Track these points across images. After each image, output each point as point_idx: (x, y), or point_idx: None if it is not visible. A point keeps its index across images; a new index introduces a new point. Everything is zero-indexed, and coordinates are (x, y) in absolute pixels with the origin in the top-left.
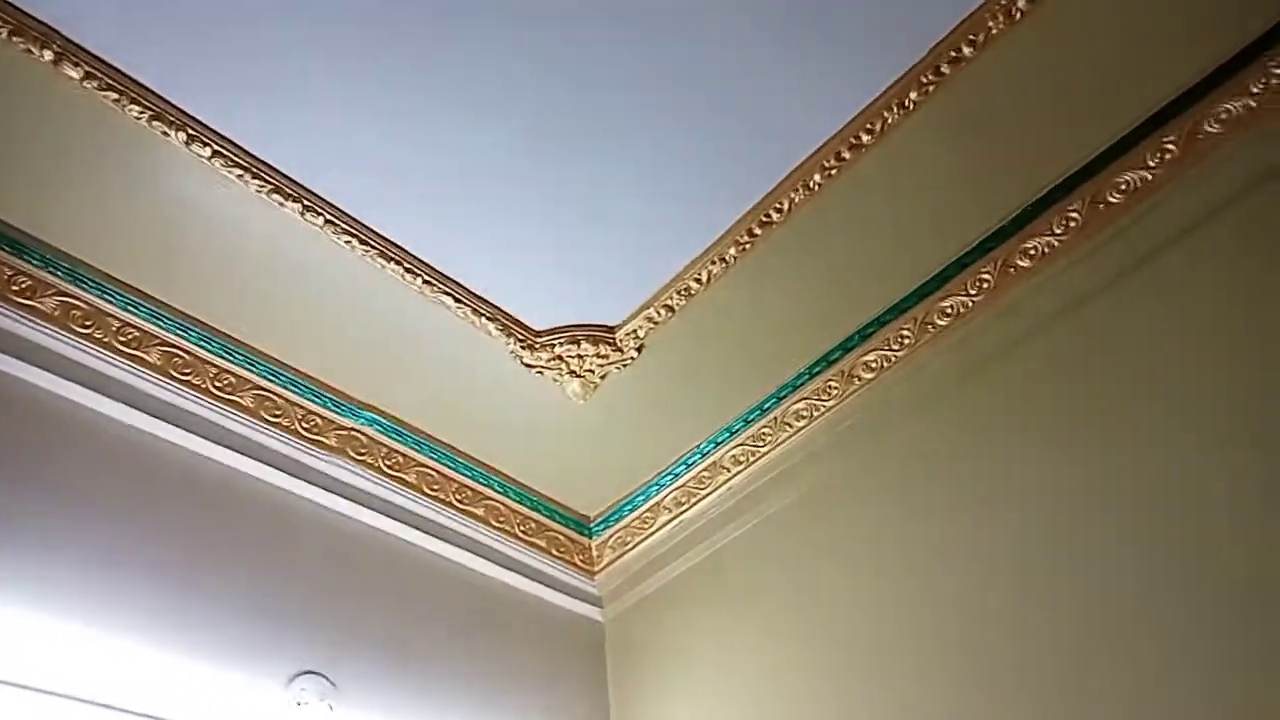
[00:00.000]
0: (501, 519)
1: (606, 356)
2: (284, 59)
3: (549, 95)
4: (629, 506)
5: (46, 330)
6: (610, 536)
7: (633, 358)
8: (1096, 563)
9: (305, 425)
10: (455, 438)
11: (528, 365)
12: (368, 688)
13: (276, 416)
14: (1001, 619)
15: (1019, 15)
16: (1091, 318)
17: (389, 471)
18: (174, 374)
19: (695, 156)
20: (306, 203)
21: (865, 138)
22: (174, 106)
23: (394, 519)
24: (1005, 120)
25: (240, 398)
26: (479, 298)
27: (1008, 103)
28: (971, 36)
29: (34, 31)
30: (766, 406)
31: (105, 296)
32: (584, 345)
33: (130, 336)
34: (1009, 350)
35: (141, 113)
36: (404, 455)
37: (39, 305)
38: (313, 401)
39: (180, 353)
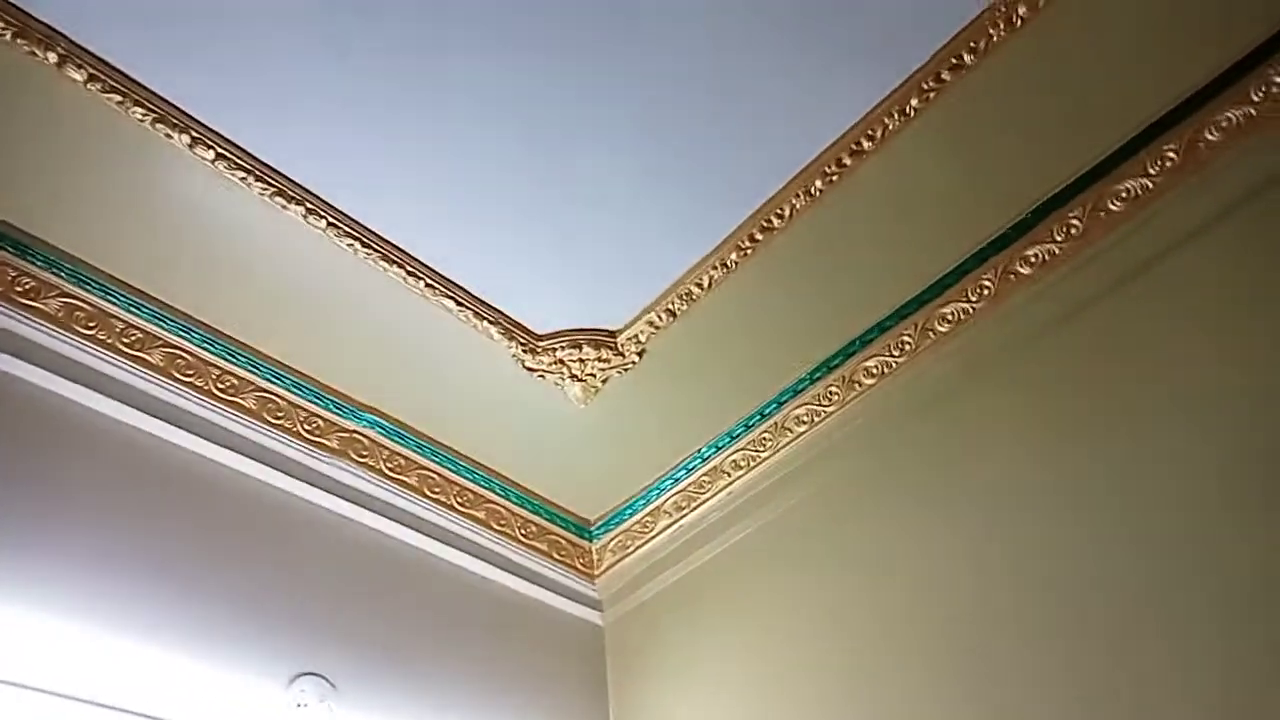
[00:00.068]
0: (502, 522)
1: (608, 361)
2: (288, 63)
3: (552, 99)
4: (629, 510)
5: (50, 331)
6: (611, 540)
7: (634, 362)
8: (1097, 568)
9: (307, 427)
10: (457, 441)
11: (529, 369)
12: (368, 689)
13: (279, 418)
14: (1001, 624)
15: (1020, 23)
16: (1092, 325)
17: (390, 474)
18: (177, 375)
19: (697, 161)
20: (309, 206)
21: (866, 144)
22: (178, 109)
23: (395, 521)
24: (1006, 127)
25: (243, 399)
26: (481, 301)
27: (1009, 109)
28: (973, 44)
29: (38, 34)
30: (767, 411)
31: (108, 298)
32: (585, 349)
33: (133, 338)
34: (1010, 357)
35: (145, 115)
36: (405, 458)
37: (42, 306)
38: (315, 404)
39: (183, 354)
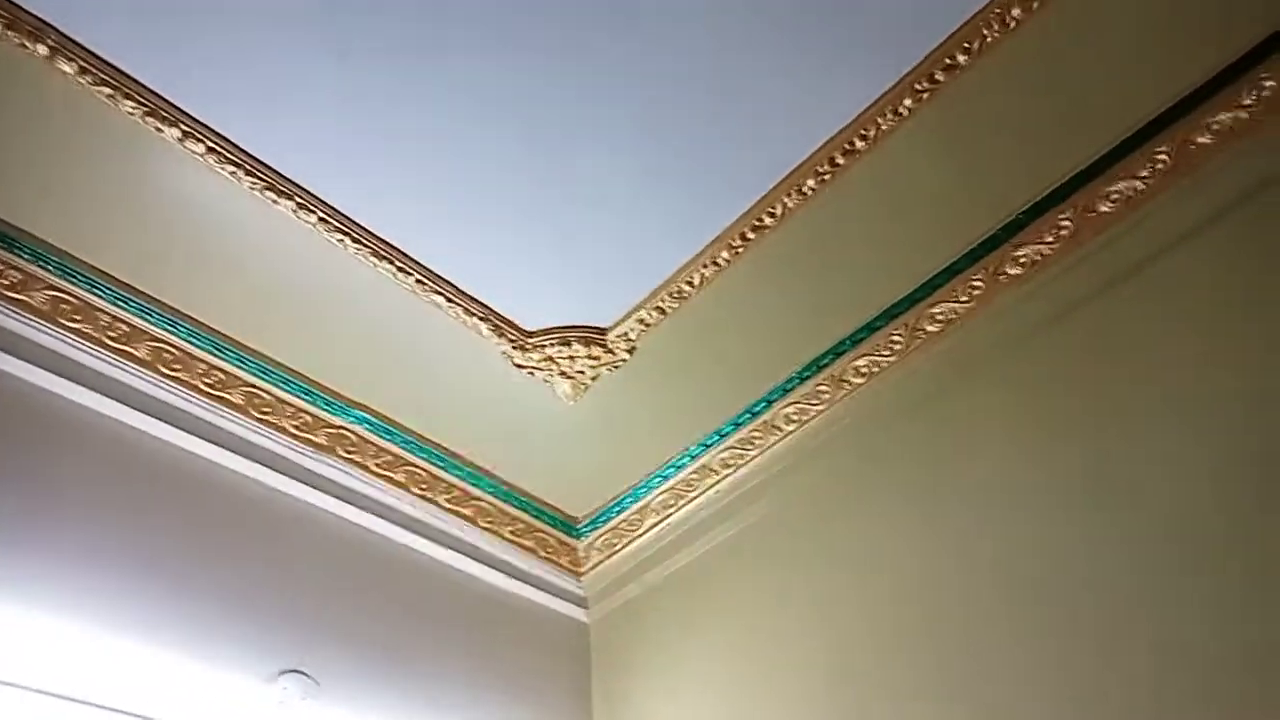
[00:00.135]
0: (490, 519)
1: (597, 358)
2: (279, 57)
3: (544, 97)
4: (617, 508)
5: (36, 325)
6: (598, 538)
7: (624, 359)
8: (1085, 568)
9: (295, 423)
10: (445, 437)
11: (519, 366)
12: (351, 686)
13: (266, 414)
14: (991, 622)
15: (1014, 24)
16: (1082, 326)
17: (378, 470)
18: (163, 370)
19: (689, 160)
20: (299, 200)
21: (859, 144)
22: (168, 103)
23: (382, 518)
24: (999, 128)
25: (230, 395)
26: (471, 298)
27: (1002, 111)
28: (966, 45)
29: (28, 26)
30: (756, 410)
31: (96, 291)
32: (575, 346)
33: (120, 332)
34: (1000, 357)
35: (135, 109)
36: (393, 454)
37: (29, 299)
38: (303, 399)
39: (170, 349)
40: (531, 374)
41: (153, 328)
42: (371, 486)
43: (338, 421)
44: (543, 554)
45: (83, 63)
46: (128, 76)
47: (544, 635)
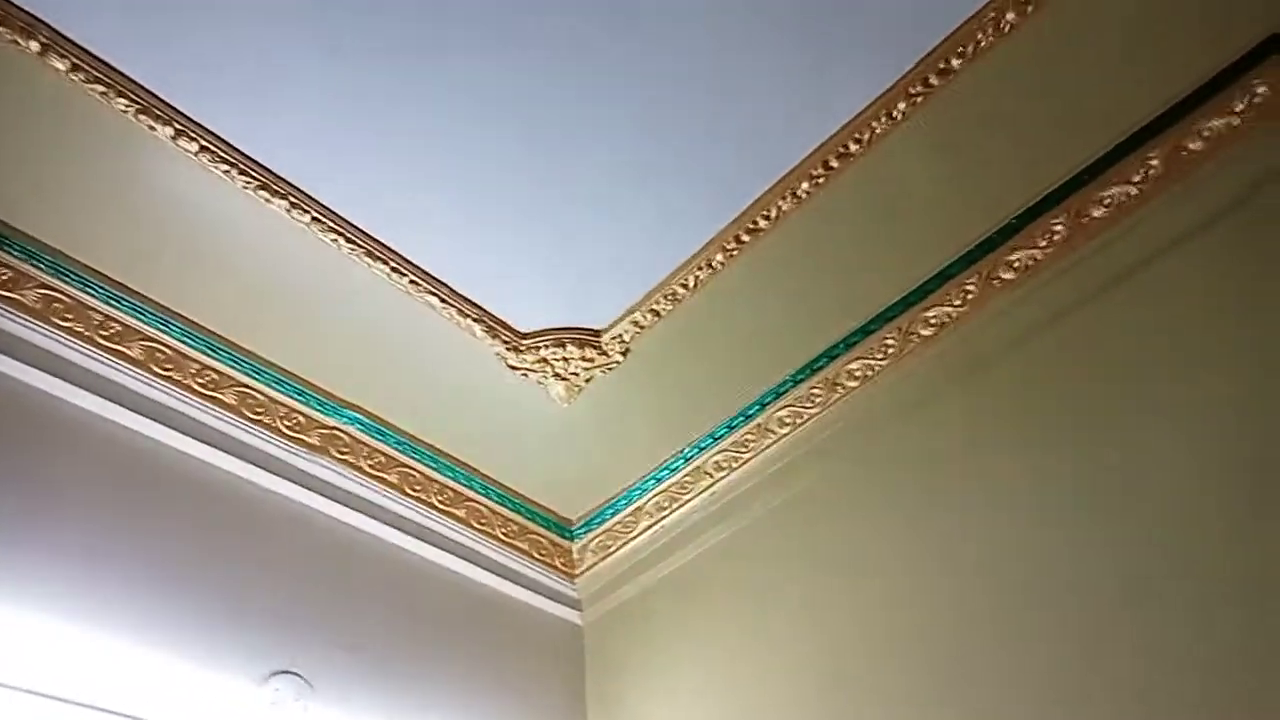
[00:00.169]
0: (483, 521)
1: (591, 360)
2: (274, 55)
3: (539, 97)
4: (611, 510)
5: (26, 323)
6: (591, 540)
7: (618, 362)
8: (1077, 571)
9: (288, 424)
10: (438, 439)
11: (513, 367)
12: (344, 688)
13: (259, 414)
14: (982, 626)
15: (1008, 29)
16: (1074, 330)
17: (371, 471)
18: (156, 369)
19: (684, 162)
20: (293, 200)
21: (854, 147)
22: (161, 101)
23: (375, 519)
24: (993, 132)
25: (222, 395)
26: (465, 299)
27: (996, 115)
28: (961, 49)
29: (20, 21)
30: (750, 413)
31: (88, 290)
32: (569, 348)
33: (112, 331)
34: (992, 360)
35: (128, 106)
36: (386, 455)
37: (20, 298)
38: (296, 400)
39: (162, 348)
40: (525, 376)
41: (145, 327)
42: (365, 487)
43: (331, 422)
44: (536, 556)
45: (75, 59)
46: (120, 74)
47: (538, 637)
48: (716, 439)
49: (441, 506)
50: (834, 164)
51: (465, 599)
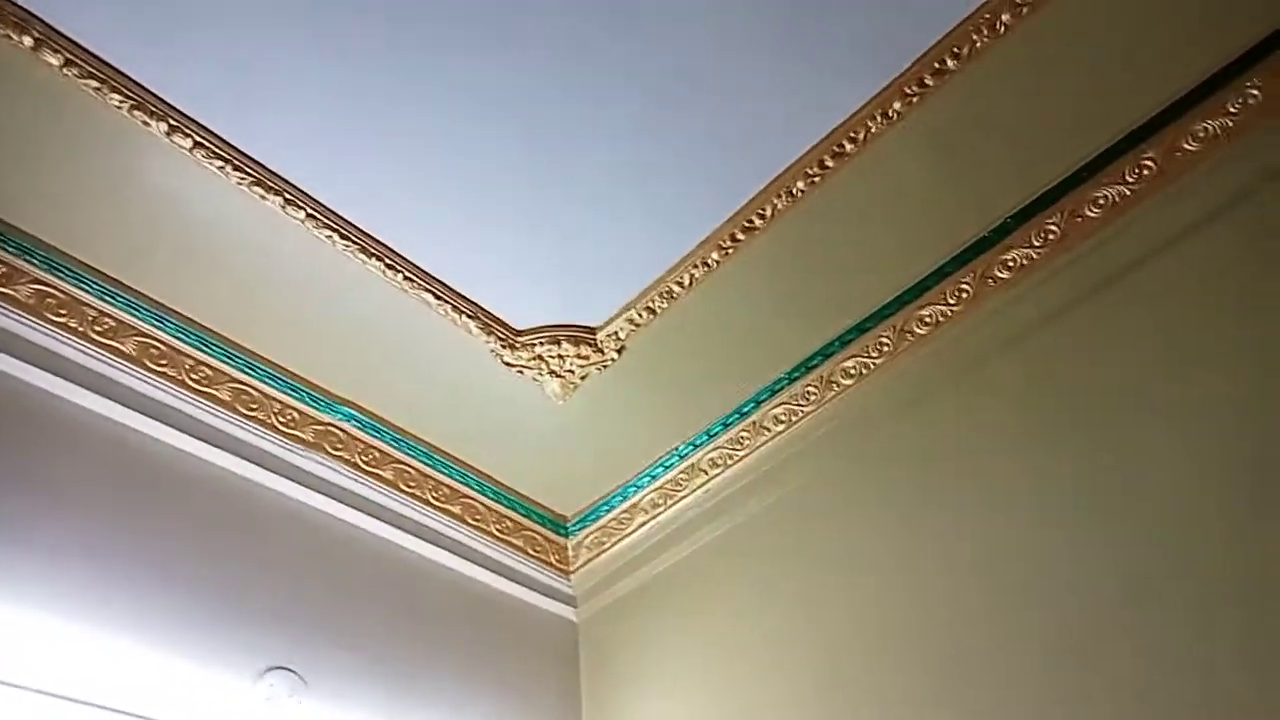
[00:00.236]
0: (478, 517)
1: (587, 357)
2: (268, 52)
3: (535, 97)
4: (606, 507)
5: (19, 318)
6: (587, 537)
7: (613, 359)
8: (1073, 570)
9: (282, 420)
10: (433, 435)
11: (508, 364)
12: (338, 683)
13: (253, 410)
14: (976, 624)
15: (1003, 29)
16: (1069, 329)
17: (366, 468)
18: (149, 365)
19: (679, 161)
20: (288, 196)
21: (849, 146)
22: (155, 96)
23: (370, 515)
24: (988, 132)
25: (217, 390)
26: (460, 296)
27: (990, 115)
28: (956, 49)
29: (13, 16)
30: (745, 410)
31: (82, 285)
32: (565, 345)
33: (106, 326)
34: (987, 359)
35: (122, 102)
36: (381, 452)
37: (14, 293)
38: (290, 396)
39: (156, 344)
40: (521, 373)
41: (139, 323)
42: (359, 483)
43: (325, 418)
44: (531, 552)
45: (68, 55)
46: (114, 69)
47: (532, 633)
48: (712, 436)
49: (436, 503)
50: (829, 163)
51: (460, 595)
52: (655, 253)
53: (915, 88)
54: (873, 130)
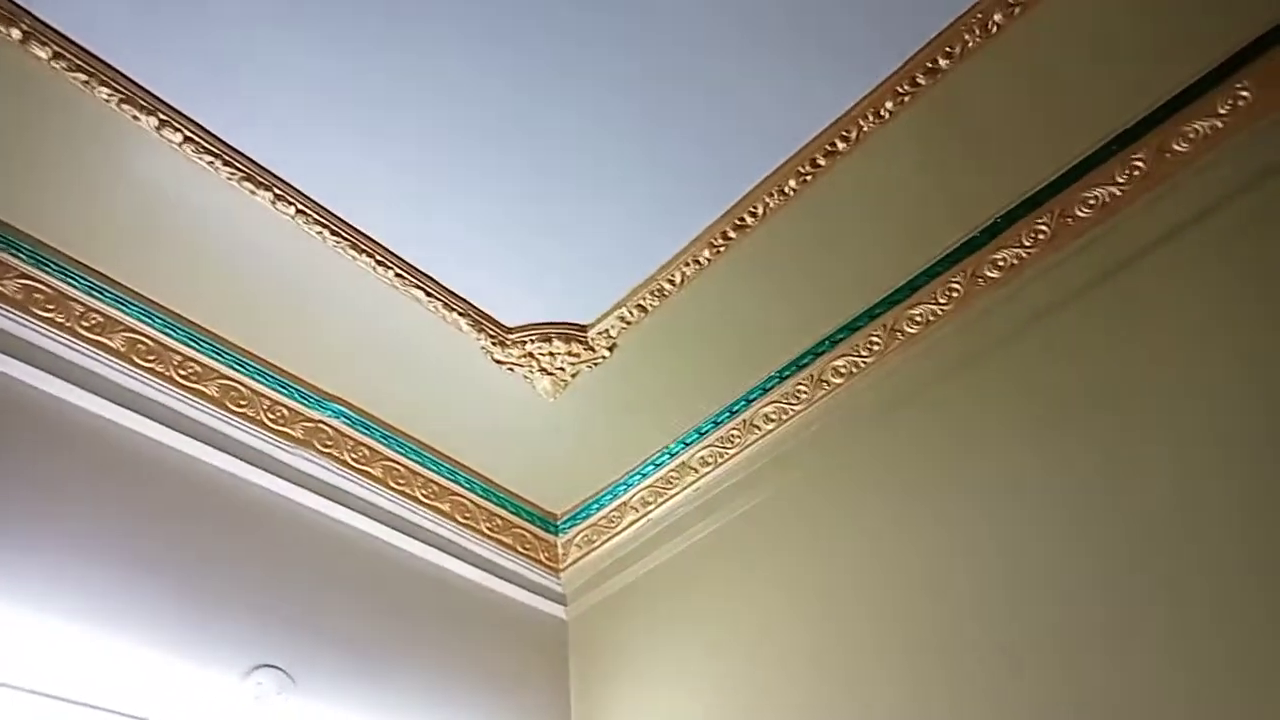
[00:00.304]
0: (467, 515)
1: (578, 355)
2: (258, 46)
3: (526, 92)
4: (596, 505)
5: (7, 314)
6: (576, 534)
7: (604, 357)
8: (1061, 569)
9: (271, 416)
10: (423, 433)
11: (498, 362)
12: (327, 682)
13: (242, 406)
14: (966, 622)
15: (995, 29)
16: (1058, 329)
17: (355, 465)
18: (138, 361)
19: (671, 159)
20: (278, 191)
21: (840, 145)
22: (145, 90)
23: (359, 513)
24: (978, 133)
25: (205, 387)
26: (451, 293)
27: (982, 115)
28: (948, 49)
29: (1, 10)
30: (736, 409)
31: (69, 280)
32: (555, 343)
33: (94, 322)
34: (977, 358)
35: (111, 95)
36: (370, 449)
37: (1, 289)
38: (279, 392)
39: (144, 339)
40: (511, 370)
41: (127, 318)
42: (348, 480)
43: (314, 415)
44: (521, 550)
45: (56, 48)
46: (103, 62)
47: (522, 631)
48: (702, 434)
49: (426, 500)
50: (821, 162)
51: (449, 593)
52: (647, 250)
53: (908, 87)
54: (865, 129)
